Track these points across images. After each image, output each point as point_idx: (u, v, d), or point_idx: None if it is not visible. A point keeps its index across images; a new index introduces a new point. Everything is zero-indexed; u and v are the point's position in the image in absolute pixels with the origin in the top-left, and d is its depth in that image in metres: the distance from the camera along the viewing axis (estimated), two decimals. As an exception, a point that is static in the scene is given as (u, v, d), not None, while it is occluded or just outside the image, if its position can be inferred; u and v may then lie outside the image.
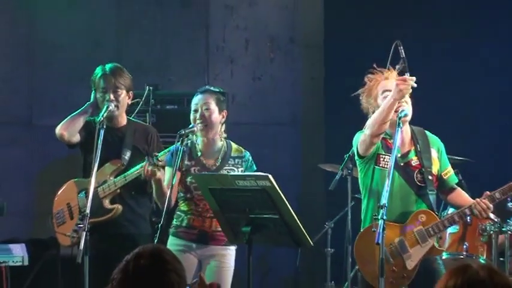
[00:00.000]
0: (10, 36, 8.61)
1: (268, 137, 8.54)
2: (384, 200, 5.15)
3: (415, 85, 5.38)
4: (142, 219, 6.19)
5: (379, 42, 6.17)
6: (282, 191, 5.08)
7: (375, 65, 5.70)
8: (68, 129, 6.09)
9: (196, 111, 5.90)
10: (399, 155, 5.59)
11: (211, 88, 6.08)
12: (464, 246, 6.66)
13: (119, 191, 6.05)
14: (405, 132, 5.63)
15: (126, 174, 6.00)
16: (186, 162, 5.86)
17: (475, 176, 7.02)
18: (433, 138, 5.75)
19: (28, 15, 8.63)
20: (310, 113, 8.80)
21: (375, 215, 5.37)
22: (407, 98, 5.53)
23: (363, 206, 5.68)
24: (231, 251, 5.90)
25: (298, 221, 5.12)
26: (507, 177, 6.80)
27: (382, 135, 5.50)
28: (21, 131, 8.59)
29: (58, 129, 6.12)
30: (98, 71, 6.17)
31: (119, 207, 6.03)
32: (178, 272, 3.09)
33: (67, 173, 6.61)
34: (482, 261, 6.44)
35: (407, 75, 5.39)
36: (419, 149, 5.64)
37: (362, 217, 5.69)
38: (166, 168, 5.89)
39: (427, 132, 5.74)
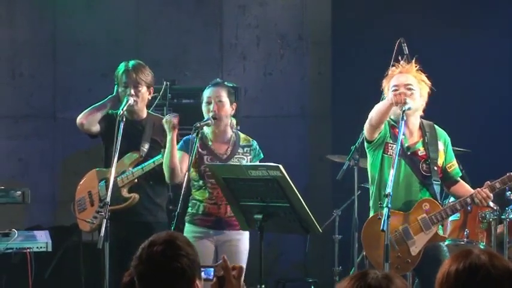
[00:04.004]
0: (36, 34, 8.60)
1: (278, 129, 8.55)
2: (389, 189, 5.15)
3: (408, 104, 5.39)
4: (160, 208, 6.13)
5: (384, 39, 6.17)
6: (292, 180, 5.05)
7: (400, 58, 5.82)
8: (88, 119, 6.08)
9: (209, 103, 5.85)
10: (407, 145, 5.60)
11: (222, 81, 6.05)
12: (465, 233, 6.61)
13: (136, 180, 6.01)
14: (413, 124, 5.61)
15: (143, 165, 5.97)
16: (199, 150, 5.81)
17: (474, 167, 6.95)
18: (440, 132, 5.73)
19: (52, 15, 8.62)
20: (318, 106, 8.81)
21: (380, 203, 5.39)
22: (416, 94, 5.53)
23: (371, 193, 5.66)
24: (246, 235, 5.85)
25: (307, 209, 5.09)
26: (504, 167, 6.76)
27: (381, 127, 5.50)
28: (45, 124, 8.58)
29: (78, 119, 6.12)
30: (121, 66, 6.14)
31: (135, 196, 6.00)
32: (190, 257, 3.08)
33: (89, 163, 6.63)
34: (482, 247, 6.39)
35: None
36: (426, 141, 5.62)
37: (370, 204, 5.66)
38: (177, 152, 5.83)
39: (436, 126, 5.71)
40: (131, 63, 6.12)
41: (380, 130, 5.52)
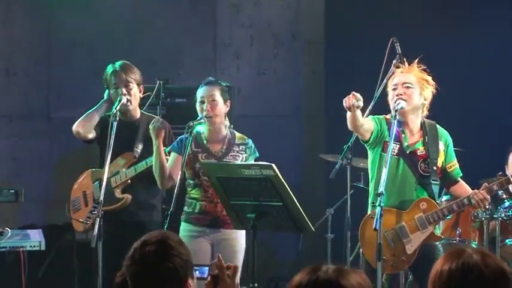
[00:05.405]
0: (31, 34, 8.66)
1: (272, 128, 8.55)
2: (381, 188, 5.18)
3: (360, 104, 5.35)
4: (154, 208, 6.15)
5: (377, 38, 6.17)
6: (285, 179, 5.06)
7: (405, 59, 5.78)
8: (84, 127, 6.10)
9: (202, 102, 5.86)
10: (406, 144, 5.62)
11: (215, 80, 6.06)
12: (457, 232, 6.59)
13: (129, 181, 6.01)
14: (414, 123, 5.65)
15: (136, 166, 5.99)
16: (193, 148, 5.81)
17: (466, 166, 6.93)
18: (442, 132, 5.74)
19: (47, 14, 8.66)
20: (312, 106, 8.81)
21: (373, 202, 5.47)
22: (415, 92, 5.56)
23: (370, 190, 5.68)
24: (242, 234, 5.86)
25: (300, 208, 5.10)
26: (496, 166, 6.76)
27: (368, 127, 5.54)
28: (40, 123, 8.62)
29: (74, 127, 6.12)
30: (109, 68, 6.16)
31: (128, 197, 6.04)
32: (182, 257, 3.10)
33: (82, 162, 6.68)
34: (475, 246, 6.39)
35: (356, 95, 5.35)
36: (427, 141, 5.63)
37: (369, 201, 5.67)
38: (171, 153, 5.88)
39: (438, 126, 5.73)
40: (118, 64, 6.15)
41: (370, 131, 5.57)
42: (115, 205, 6.00)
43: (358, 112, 5.37)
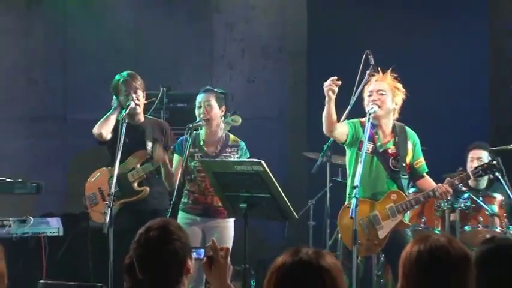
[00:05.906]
0: (47, 44, 8.73)
1: (261, 130, 8.54)
2: (357, 182, 5.30)
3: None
4: (165, 197, 6.29)
5: (354, 51, 6.17)
6: (273, 174, 5.14)
7: (379, 69, 5.81)
8: (105, 128, 6.16)
9: (200, 107, 6.00)
10: (379, 144, 5.72)
11: (212, 88, 6.14)
12: (423, 220, 6.64)
13: (145, 176, 6.18)
14: (386, 125, 5.75)
15: (152, 162, 6.12)
16: (190, 149, 5.92)
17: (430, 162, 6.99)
18: (410, 133, 5.84)
19: (63, 28, 8.74)
20: (295, 110, 8.82)
21: (350, 194, 5.58)
22: (387, 98, 5.65)
23: (348, 183, 5.76)
24: (231, 223, 5.98)
25: (285, 199, 5.19)
26: (456, 162, 6.82)
27: (334, 132, 5.58)
28: (56, 124, 8.68)
29: (96, 129, 6.19)
30: (118, 78, 6.24)
31: (147, 189, 6.19)
32: (182, 240, 3.17)
33: (94, 160, 6.71)
34: (438, 232, 6.46)
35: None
36: (397, 141, 5.73)
37: (347, 193, 5.76)
38: (175, 155, 6.04)
39: (407, 128, 5.84)
40: (125, 73, 6.25)
41: (345, 134, 5.67)
42: (136, 197, 6.18)
43: (333, 105, 5.44)
